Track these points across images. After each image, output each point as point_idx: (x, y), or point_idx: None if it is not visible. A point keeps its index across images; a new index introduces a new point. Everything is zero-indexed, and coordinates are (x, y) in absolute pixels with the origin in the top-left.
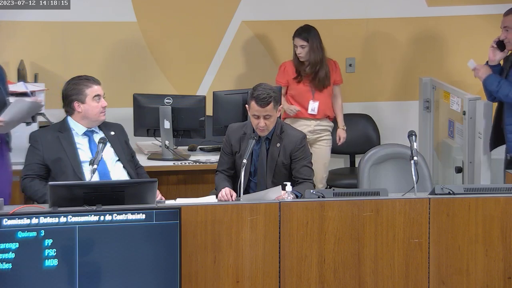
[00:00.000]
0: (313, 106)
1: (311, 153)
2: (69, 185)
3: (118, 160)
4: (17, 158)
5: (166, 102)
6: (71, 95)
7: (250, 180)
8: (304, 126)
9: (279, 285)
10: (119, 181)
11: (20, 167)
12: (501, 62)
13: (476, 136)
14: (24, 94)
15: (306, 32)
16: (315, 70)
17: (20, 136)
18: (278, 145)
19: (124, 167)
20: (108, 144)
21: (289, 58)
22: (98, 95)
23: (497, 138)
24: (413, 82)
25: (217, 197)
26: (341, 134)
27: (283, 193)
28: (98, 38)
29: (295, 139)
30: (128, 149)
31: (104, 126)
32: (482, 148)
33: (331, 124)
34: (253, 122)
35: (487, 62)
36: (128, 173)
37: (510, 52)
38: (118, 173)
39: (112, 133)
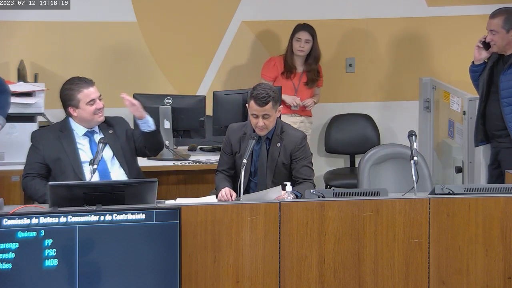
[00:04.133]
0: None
1: (311, 153)
2: (69, 185)
3: (117, 159)
4: (18, 158)
5: (166, 102)
6: (65, 100)
7: (250, 180)
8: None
9: (279, 285)
10: (119, 181)
11: (21, 167)
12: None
13: None
14: (25, 94)
15: (311, 28)
16: (311, 68)
17: (21, 135)
18: (279, 145)
19: (120, 165)
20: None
21: None
22: (92, 100)
23: (482, 135)
24: (413, 82)
25: (217, 197)
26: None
27: (283, 193)
28: (98, 38)
29: (295, 139)
30: (128, 141)
31: (104, 125)
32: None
33: (311, 120)
34: (252, 121)
35: (473, 62)
36: (125, 172)
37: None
38: (118, 173)
39: (111, 131)
